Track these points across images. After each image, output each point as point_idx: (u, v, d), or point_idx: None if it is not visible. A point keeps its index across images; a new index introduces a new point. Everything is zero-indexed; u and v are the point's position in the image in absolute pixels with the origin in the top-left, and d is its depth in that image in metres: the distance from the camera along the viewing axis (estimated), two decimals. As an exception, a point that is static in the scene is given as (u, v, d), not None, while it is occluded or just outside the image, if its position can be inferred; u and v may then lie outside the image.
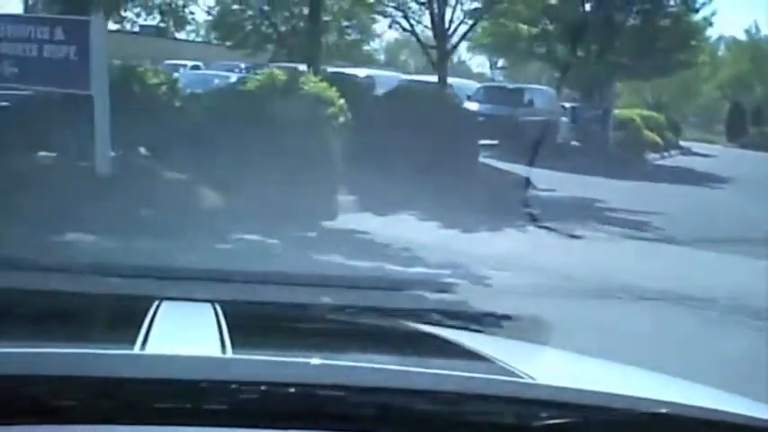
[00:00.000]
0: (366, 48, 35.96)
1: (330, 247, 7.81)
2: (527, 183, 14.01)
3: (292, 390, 1.28)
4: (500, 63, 40.10)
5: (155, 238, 6.69)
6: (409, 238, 8.27)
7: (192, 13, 30.85)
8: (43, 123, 9.34)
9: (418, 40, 15.83)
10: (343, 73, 13.39)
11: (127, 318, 1.77)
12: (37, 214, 6.92)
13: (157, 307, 1.71)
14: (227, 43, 29.07)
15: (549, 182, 14.01)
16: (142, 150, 9.84)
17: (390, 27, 16.64)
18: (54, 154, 10.50)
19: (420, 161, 10.83)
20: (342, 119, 10.66)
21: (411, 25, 15.67)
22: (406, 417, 1.30)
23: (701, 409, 1.40)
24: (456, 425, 1.30)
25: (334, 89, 10.84)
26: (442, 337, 1.93)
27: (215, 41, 34.03)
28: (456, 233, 9.00)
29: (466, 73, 42.59)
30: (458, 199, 10.11)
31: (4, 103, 9.53)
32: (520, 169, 14.81)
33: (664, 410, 1.35)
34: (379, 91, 13.35)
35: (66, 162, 9.01)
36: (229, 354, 1.42)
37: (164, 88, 9.71)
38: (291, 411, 1.27)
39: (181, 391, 1.26)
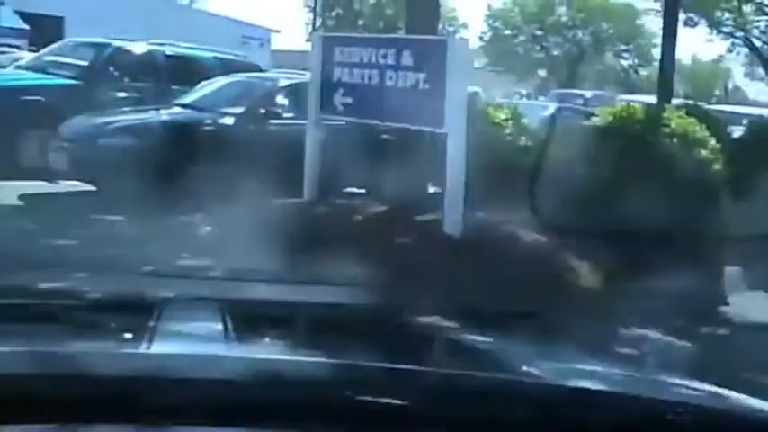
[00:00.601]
0: (644, 74, 33.36)
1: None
2: None
3: (297, 388, 1.26)
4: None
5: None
6: None
7: (464, 39, 29.84)
8: (356, 158, 8.21)
9: (765, 64, 13.19)
10: (702, 107, 11.16)
11: (132, 316, 1.73)
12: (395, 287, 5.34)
13: (163, 305, 1.72)
14: (494, 68, 27.81)
15: None
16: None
17: (731, 51, 14.13)
18: (362, 190, 9.41)
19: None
20: (717, 165, 8.50)
21: (754, 47, 13.09)
22: (411, 416, 1.27)
23: (710, 408, 1.38)
24: (460, 423, 1.27)
25: (703, 127, 8.72)
26: (447, 335, 1.89)
27: (477, 66, 32.98)
28: None
29: (743, 100, 38.65)
30: None
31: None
32: None
33: (672, 410, 1.33)
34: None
35: (395, 210, 7.46)
36: (234, 352, 1.43)
37: (510, 125, 7.99)
38: (297, 410, 1.24)
39: (185, 390, 1.24)
